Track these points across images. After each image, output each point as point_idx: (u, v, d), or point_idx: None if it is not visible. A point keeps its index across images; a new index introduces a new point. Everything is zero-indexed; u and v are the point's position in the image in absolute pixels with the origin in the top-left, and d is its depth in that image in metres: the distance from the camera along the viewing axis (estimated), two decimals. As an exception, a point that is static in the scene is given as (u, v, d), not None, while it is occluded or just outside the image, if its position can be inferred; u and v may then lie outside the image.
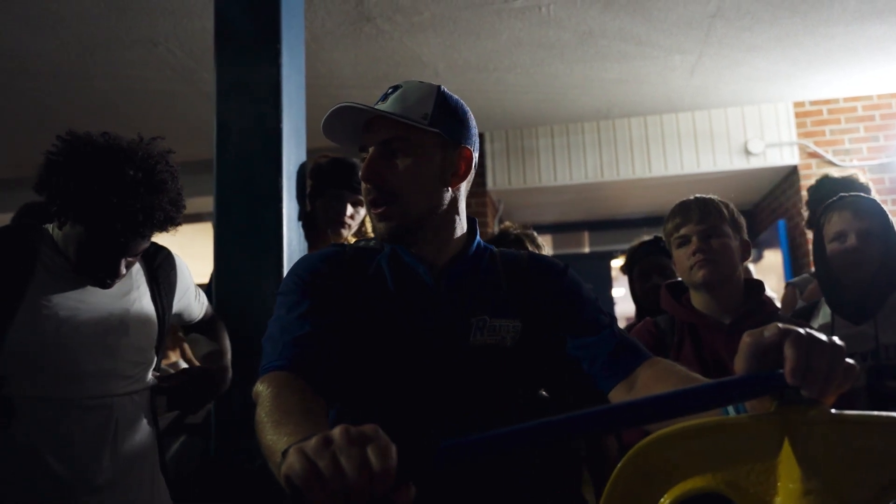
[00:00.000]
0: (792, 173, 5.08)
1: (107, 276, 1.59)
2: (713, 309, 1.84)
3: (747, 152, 5.05)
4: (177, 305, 1.84)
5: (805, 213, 2.91)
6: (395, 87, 1.23)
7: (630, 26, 3.79)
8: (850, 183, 2.75)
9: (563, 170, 5.32)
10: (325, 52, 3.94)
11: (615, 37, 3.91)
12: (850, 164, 4.90)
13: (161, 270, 1.80)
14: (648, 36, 3.91)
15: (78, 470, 1.57)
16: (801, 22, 3.80)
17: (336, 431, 0.69)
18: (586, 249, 6.76)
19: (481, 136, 5.42)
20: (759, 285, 1.89)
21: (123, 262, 1.59)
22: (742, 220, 1.90)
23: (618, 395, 1.14)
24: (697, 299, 1.88)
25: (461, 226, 1.27)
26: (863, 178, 2.79)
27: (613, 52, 4.09)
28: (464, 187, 1.27)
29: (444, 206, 1.23)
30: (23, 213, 2.28)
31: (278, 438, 0.85)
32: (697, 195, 1.91)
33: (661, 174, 5.18)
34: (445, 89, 1.25)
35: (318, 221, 2.43)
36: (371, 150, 1.20)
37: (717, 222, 1.83)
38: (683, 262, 1.85)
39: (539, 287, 1.26)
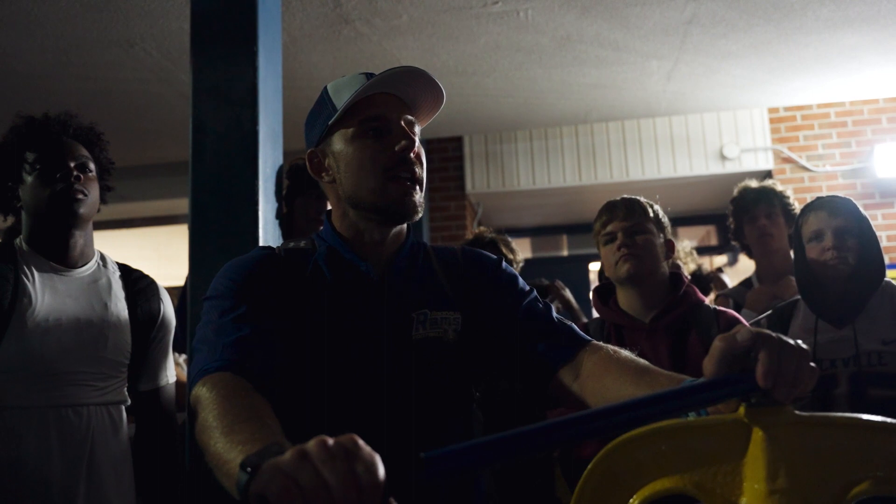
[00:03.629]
0: (766, 178, 5.15)
1: (63, 184, 1.68)
2: (638, 307, 1.91)
3: (723, 157, 5.11)
4: (155, 336, 1.85)
5: (732, 225, 2.97)
6: (414, 70, 1.19)
7: (607, 32, 3.82)
8: (768, 191, 2.84)
9: (541, 174, 5.34)
10: (303, 54, 3.93)
11: (593, 42, 3.93)
12: (823, 169, 4.98)
13: (142, 295, 1.84)
14: (625, 42, 3.94)
15: (56, 484, 1.58)
16: (775, 30, 3.85)
17: (312, 444, 0.64)
18: (565, 253, 6.79)
19: (460, 139, 5.44)
20: (679, 279, 1.95)
21: (73, 166, 1.71)
22: (667, 221, 2.00)
23: (563, 379, 1.14)
24: (623, 298, 1.95)
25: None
26: (779, 187, 2.89)
27: (591, 57, 4.12)
28: None
29: None
30: (5, 236, 2.32)
31: (231, 447, 0.80)
32: (624, 195, 2.00)
33: (639, 178, 5.22)
34: None
35: (296, 221, 2.43)
36: (400, 126, 1.18)
37: (641, 220, 1.92)
38: (609, 258, 1.93)
39: (475, 279, 1.26)
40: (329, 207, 1.28)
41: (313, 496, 0.61)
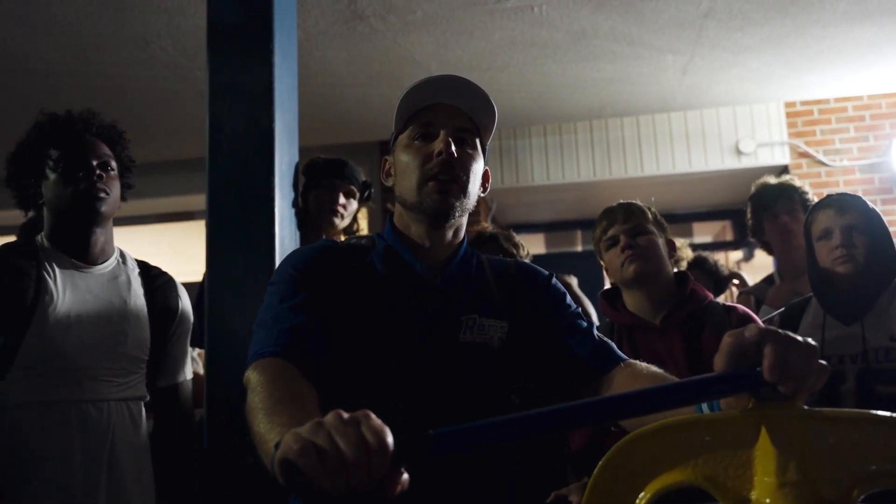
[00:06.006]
0: (783, 173, 5.10)
1: (86, 183, 1.70)
2: (646, 308, 1.92)
3: (738, 152, 5.08)
4: (173, 332, 1.87)
5: (751, 222, 2.94)
6: (464, 80, 1.24)
7: (622, 26, 3.81)
8: (788, 187, 2.81)
9: (555, 169, 5.33)
10: (318, 50, 3.94)
11: (607, 37, 3.92)
12: (841, 163, 4.94)
13: (161, 291, 1.86)
14: (640, 36, 3.93)
15: (77, 479, 1.60)
16: (793, 23, 3.82)
17: (328, 416, 0.71)
18: (579, 248, 6.78)
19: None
20: (685, 277, 1.96)
21: (96, 165, 1.72)
22: (665, 222, 2.02)
23: (597, 390, 1.19)
24: (631, 300, 1.95)
25: (463, 231, 1.32)
26: (798, 182, 2.86)
27: (606, 51, 4.11)
28: None
29: (471, 210, 1.28)
30: (24, 232, 2.34)
31: (271, 428, 0.87)
32: (621, 200, 2.02)
33: (654, 173, 5.20)
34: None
35: (312, 215, 2.46)
36: (443, 132, 1.23)
37: (641, 221, 1.94)
38: (614, 262, 1.94)
39: (526, 292, 1.31)
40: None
41: (328, 456, 0.67)
